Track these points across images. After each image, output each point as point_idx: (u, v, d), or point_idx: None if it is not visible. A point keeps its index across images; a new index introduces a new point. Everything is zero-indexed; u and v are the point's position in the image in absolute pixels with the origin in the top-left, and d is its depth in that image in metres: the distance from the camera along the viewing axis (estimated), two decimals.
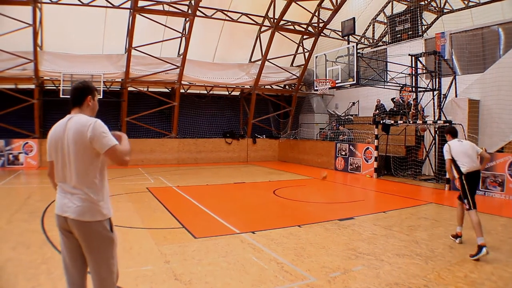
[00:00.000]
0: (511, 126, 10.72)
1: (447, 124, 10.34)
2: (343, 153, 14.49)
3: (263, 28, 17.23)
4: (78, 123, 2.40)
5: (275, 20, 16.46)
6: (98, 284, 2.46)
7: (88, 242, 2.41)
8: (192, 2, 14.64)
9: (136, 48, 14.79)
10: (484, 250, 4.58)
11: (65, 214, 2.38)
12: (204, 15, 15.53)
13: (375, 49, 17.99)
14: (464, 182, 5.13)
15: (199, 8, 14.89)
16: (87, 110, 2.55)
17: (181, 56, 15.96)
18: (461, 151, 5.30)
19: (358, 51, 11.71)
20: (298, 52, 18.69)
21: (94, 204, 2.39)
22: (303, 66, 18.80)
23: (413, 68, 12.49)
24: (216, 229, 5.95)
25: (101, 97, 14.46)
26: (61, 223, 2.43)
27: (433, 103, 12.29)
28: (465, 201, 5.10)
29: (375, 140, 12.68)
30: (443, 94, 12.19)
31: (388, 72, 13.38)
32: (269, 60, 17.56)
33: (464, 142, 5.50)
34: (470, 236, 5.29)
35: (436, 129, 11.98)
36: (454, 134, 5.58)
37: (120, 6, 13.96)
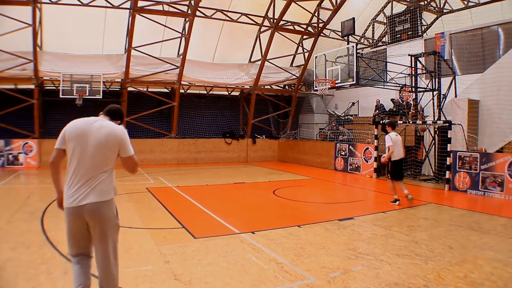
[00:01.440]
0: (510, 126, 10.73)
1: (447, 124, 10.37)
2: (343, 153, 14.49)
3: (263, 28, 17.23)
4: (110, 126, 2.88)
5: (275, 20, 16.47)
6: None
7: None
8: (192, 2, 14.64)
9: (135, 48, 14.79)
10: (398, 202, 7.87)
11: (84, 202, 2.72)
12: (203, 15, 15.54)
13: (374, 49, 18.00)
14: (392, 165, 7.96)
15: (198, 8, 14.89)
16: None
17: (181, 56, 15.96)
18: (396, 142, 7.95)
19: (358, 51, 11.70)
20: (297, 52, 18.69)
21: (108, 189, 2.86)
22: (302, 66, 18.80)
23: (413, 68, 12.49)
24: (216, 229, 5.95)
25: (101, 97, 14.51)
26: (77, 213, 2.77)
27: (433, 103, 12.30)
28: (389, 175, 8.07)
29: (375, 140, 12.69)
30: (443, 94, 12.20)
31: (387, 72, 13.39)
32: (269, 60, 17.56)
33: (398, 135, 8.24)
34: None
35: (436, 129, 11.98)
36: (394, 127, 8.21)
37: (120, 6, 13.96)
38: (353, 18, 13.20)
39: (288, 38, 17.62)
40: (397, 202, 7.91)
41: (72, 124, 2.84)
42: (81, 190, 2.72)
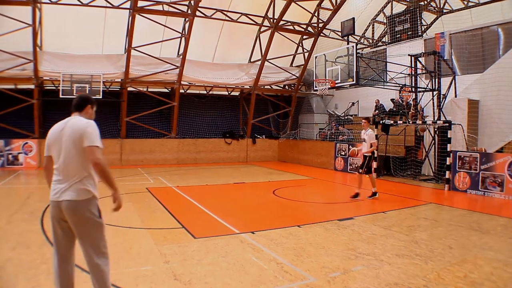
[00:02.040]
0: (510, 126, 10.72)
1: (447, 124, 10.37)
2: (343, 153, 14.49)
3: (263, 28, 17.23)
4: (76, 122, 2.92)
5: (275, 20, 16.47)
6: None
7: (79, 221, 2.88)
8: (192, 2, 14.64)
9: (135, 48, 14.79)
10: (377, 194, 8.65)
11: (61, 198, 2.81)
12: (203, 15, 15.54)
13: (374, 49, 18.00)
14: (369, 160, 8.56)
15: (198, 8, 14.89)
16: (85, 116, 3.06)
17: (181, 56, 15.96)
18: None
19: (358, 51, 11.70)
20: (297, 52, 18.69)
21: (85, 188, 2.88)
22: (302, 66, 18.80)
23: (413, 68, 12.49)
24: (216, 229, 5.95)
25: (101, 97, 14.50)
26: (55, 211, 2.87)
27: (433, 103, 12.30)
28: (366, 170, 8.55)
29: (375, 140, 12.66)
30: (443, 94, 12.19)
31: (387, 72, 13.39)
32: (269, 60, 17.56)
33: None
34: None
35: (435, 129, 11.98)
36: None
37: (120, 6, 13.96)
38: (353, 18, 13.21)
39: (288, 38, 17.62)
40: (377, 194, 8.66)
41: (50, 131, 3.00)
42: (60, 187, 2.83)
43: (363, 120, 8.78)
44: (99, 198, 3.00)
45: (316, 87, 12.64)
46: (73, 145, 2.83)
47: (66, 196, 2.79)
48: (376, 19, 18.90)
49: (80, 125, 2.87)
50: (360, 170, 8.66)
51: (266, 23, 16.96)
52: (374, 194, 8.66)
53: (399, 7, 17.57)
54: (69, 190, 2.80)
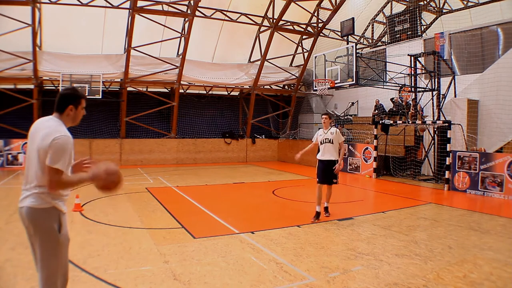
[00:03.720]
0: (510, 126, 10.74)
1: (446, 124, 10.38)
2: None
3: (262, 28, 17.23)
4: (47, 128, 2.49)
5: (274, 20, 16.47)
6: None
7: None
8: (191, 2, 14.63)
9: (135, 48, 14.79)
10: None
11: (21, 204, 2.49)
12: (203, 15, 15.53)
13: (374, 49, 18.01)
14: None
15: (198, 8, 14.89)
16: (67, 119, 2.61)
17: (180, 56, 15.96)
18: None
19: (357, 51, 11.70)
20: (297, 52, 18.70)
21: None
22: (302, 66, 18.80)
23: (412, 68, 12.50)
24: (215, 229, 5.94)
25: (100, 97, 14.50)
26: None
27: (432, 103, 12.30)
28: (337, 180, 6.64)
29: (374, 140, 12.69)
30: (442, 94, 12.20)
31: (387, 72, 13.40)
32: (268, 60, 17.57)
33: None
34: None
35: (435, 129, 11.99)
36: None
37: (119, 6, 13.95)
38: (353, 18, 13.19)
39: (287, 38, 17.63)
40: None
41: (32, 126, 2.66)
42: (22, 191, 2.53)
43: (324, 116, 6.73)
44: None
45: (315, 87, 12.63)
46: (38, 151, 2.45)
47: (25, 202, 2.47)
48: (376, 19, 18.91)
49: (51, 134, 2.43)
50: (335, 180, 6.59)
51: (265, 23, 16.97)
52: (319, 214, 6.53)
53: (398, 7, 17.59)
54: (30, 197, 2.47)
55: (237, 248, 4.95)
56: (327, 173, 6.53)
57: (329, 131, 6.65)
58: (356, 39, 18.58)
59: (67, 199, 2.66)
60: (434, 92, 12.21)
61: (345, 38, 13.65)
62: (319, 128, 7.31)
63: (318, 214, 6.48)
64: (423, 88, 12.51)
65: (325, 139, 6.61)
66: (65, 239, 2.57)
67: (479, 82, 11.79)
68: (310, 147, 6.94)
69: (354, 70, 11.10)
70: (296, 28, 17.51)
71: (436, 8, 16.34)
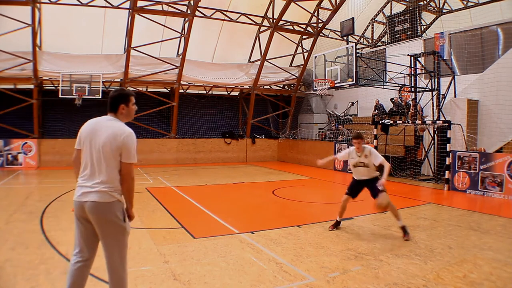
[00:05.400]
0: (510, 126, 10.74)
1: (446, 124, 10.38)
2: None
3: (262, 28, 17.23)
4: (115, 127, 2.79)
5: (274, 20, 16.47)
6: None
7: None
8: (191, 2, 14.63)
9: (135, 48, 14.78)
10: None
11: (84, 199, 2.74)
12: (203, 15, 15.53)
13: (374, 49, 18.01)
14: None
15: (198, 8, 14.89)
16: (121, 116, 2.90)
17: (180, 56, 15.95)
18: None
19: (357, 51, 11.71)
20: (297, 52, 18.69)
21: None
22: (302, 66, 18.80)
23: (412, 68, 12.50)
24: (215, 229, 5.94)
25: (100, 97, 14.49)
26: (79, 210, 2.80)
27: (432, 103, 12.30)
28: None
29: (374, 140, 12.68)
30: (442, 94, 12.20)
31: (387, 72, 13.41)
32: (268, 60, 17.56)
33: None
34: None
35: (435, 129, 11.99)
36: None
37: (119, 6, 13.95)
38: (353, 18, 13.20)
39: (287, 38, 17.63)
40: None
41: (86, 124, 2.90)
42: (84, 188, 2.76)
43: (355, 140, 5.83)
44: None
45: (315, 87, 12.64)
46: (107, 149, 2.72)
47: (90, 197, 2.72)
48: (376, 19, 18.91)
49: (118, 134, 2.74)
50: (380, 188, 5.91)
51: (265, 23, 16.97)
52: (338, 223, 6.16)
53: (398, 7, 17.59)
54: (94, 192, 2.72)
55: (237, 248, 4.95)
56: (370, 188, 6.02)
57: (363, 154, 5.81)
58: (356, 39, 18.58)
59: None
60: (434, 92, 12.21)
61: (345, 38, 13.66)
62: (348, 146, 6.68)
63: (337, 223, 6.10)
64: (423, 88, 12.51)
65: (359, 162, 5.88)
66: (129, 227, 2.90)
67: (479, 82, 11.79)
68: (331, 159, 6.58)
69: (354, 70, 11.11)
70: (296, 28, 17.51)
71: (436, 8, 16.34)
